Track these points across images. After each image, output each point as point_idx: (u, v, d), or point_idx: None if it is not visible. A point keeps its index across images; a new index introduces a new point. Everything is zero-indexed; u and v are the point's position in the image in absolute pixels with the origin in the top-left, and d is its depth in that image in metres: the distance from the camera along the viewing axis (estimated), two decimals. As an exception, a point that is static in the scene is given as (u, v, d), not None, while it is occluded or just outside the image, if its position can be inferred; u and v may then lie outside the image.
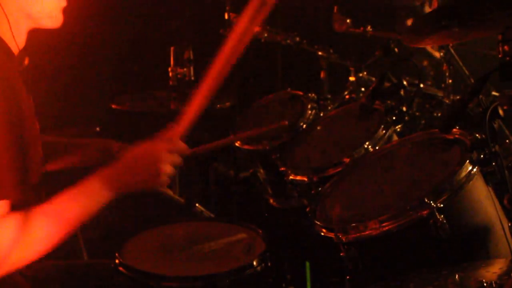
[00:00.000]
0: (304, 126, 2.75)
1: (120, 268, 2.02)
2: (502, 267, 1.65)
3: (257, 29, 3.52)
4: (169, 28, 4.33)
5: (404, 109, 2.52)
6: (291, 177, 2.44)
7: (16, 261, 1.75)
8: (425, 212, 1.77)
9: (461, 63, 3.28)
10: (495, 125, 1.82)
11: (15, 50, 1.89)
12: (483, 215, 1.86)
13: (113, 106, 3.45)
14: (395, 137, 2.42)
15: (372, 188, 2.08)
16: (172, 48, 3.48)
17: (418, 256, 1.83)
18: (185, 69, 3.49)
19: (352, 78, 3.44)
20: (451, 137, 2.00)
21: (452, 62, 3.30)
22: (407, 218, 1.78)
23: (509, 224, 1.81)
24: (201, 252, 2.10)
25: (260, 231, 2.17)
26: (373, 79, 3.46)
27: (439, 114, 3.25)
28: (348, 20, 3.37)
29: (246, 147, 2.87)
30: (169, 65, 3.50)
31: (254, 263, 2.00)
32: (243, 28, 2.03)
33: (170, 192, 3.68)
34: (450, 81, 3.35)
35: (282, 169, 2.53)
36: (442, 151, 2.01)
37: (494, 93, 3.10)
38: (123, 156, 1.91)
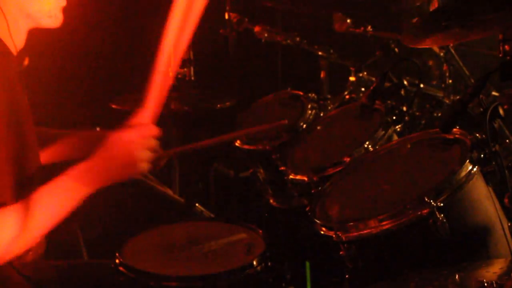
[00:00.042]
0: (304, 126, 2.75)
1: (120, 268, 2.02)
2: (502, 267, 1.65)
3: (257, 29, 3.53)
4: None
5: (404, 109, 2.52)
6: (291, 177, 2.44)
7: None
8: (425, 211, 1.77)
9: (461, 63, 3.28)
10: (496, 125, 1.82)
11: (14, 50, 1.89)
12: (483, 214, 1.86)
13: (113, 106, 3.45)
14: (395, 137, 2.42)
15: (372, 187, 2.08)
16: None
17: (417, 255, 1.83)
18: (185, 69, 3.49)
19: (352, 78, 3.44)
20: (451, 136, 2.00)
21: (452, 62, 3.31)
22: (407, 217, 1.78)
23: (509, 224, 1.81)
24: (201, 252, 2.10)
25: (260, 231, 2.17)
26: (373, 79, 3.46)
27: (439, 114, 3.25)
28: (348, 20, 3.37)
29: (246, 147, 2.87)
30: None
31: (254, 263, 1.99)
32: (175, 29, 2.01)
33: (170, 192, 3.68)
34: (450, 81, 3.35)
35: (282, 169, 2.53)
36: (442, 150, 2.01)
37: (494, 93, 3.10)
38: (98, 150, 1.89)
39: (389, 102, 2.60)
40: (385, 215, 1.81)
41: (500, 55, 1.84)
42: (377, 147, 2.32)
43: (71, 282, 2.12)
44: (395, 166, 2.13)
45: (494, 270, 1.61)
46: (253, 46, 3.81)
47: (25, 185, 1.82)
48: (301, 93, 2.98)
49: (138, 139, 1.88)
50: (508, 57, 1.82)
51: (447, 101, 3.32)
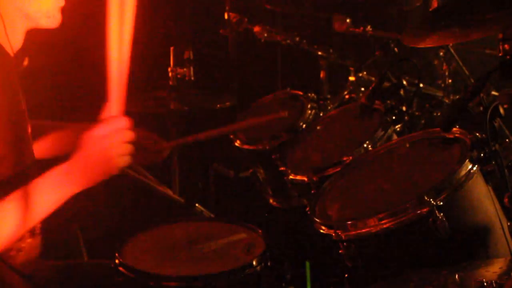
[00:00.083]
0: (304, 126, 2.75)
1: (120, 268, 2.02)
2: (502, 266, 1.65)
3: (256, 29, 3.53)
4: (169, 28, 4.33)
5: (404, 109, 2.52)
6: (291, 177, 2.44)
7: None
8: (425, 210, 1.77)
9: (461, 63, 3.28)
10: (496, 124, 1.83)
11: (10, 50, 1.89)
12: (482, 214, 1.86)
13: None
14: (395, 137, 2.42)
15: (371, 186, 2.08)
16: (172, 48, 3.48)
17: (417, 255, 1.84)
18: (185, 69, 3.49)
19: (352, 78, 3.44)
20: (451, 136, 2.00)
21: (452, 62, 3.31)
22: (407, 216, 1.79)
23: (509, 224, 1.81)
24: (201, 252, 2.10)
25: (260, 231, 2.17)
26: (373, 79, 3.46)
27: (439, 114, 3.26)
28: (348, 20, 3.36)
29: (246, 147, 2.87)
30: (169, 65, 3.49)
31: (254, 263, 1.99)
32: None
33: (170, 192, 3.69)
34: (450, 81, 3.36)
35: (282, 169, 2.53)
36: (442, 149, 2.01)
37: (494, 92, 3.10)
38: (73, 152, 1.86)
39: (388, 102, 2.59)
40: (385, 214, 1.81)
41: (500, 54, 1.84)
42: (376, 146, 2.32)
43: (71, 282, 2.12)
44: (395, 165, 2.13)
45: (493, 269, 1.61)
46: (253, 46, 3.81)
47: (21, 180, 1.83)
48: (301, 93, 2.98)
49: (110, 134, 1.83)
50: (508, 56, 1.82)
51: (446, 101, 3.32)
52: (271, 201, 2.88)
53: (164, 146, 2.55)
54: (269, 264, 2.03)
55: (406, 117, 2.51)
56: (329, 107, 3.30)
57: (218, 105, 3.51)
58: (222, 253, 2.09)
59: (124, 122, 1.86)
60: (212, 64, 4.14)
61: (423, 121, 3.26)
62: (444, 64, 3.36)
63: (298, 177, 2.40)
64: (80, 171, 1.82)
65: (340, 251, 1.91)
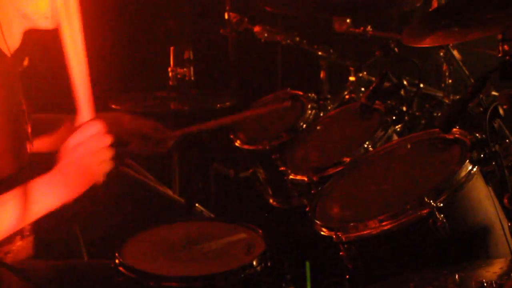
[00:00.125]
0: (304, 126, 2.75)
1: (120, 268, 2.02)
2: (502, 267, 1.65)
3: (257, 29, 3.53)
4: (169, 28, 4.33)
5: (404, 109, 2.52)
6: (291, 177, 2.44)
7: None
8: (425, 211, 1.77)
9: (461, 63, 3.28)
10: (495, 125, 1.82)
11: (7, 51, 1.88)
12: (483, 214, 1.86)
13: (113, 106, 3.45)
14: (395, 137, 2.42)
15: (372, 187, 2.08)
16: (172, 48, 3.48)
17: (418, 256, 1.84)
18: (185, 69, 3.49)
19: (352, 78, 3.44)
20: (451, 136, 2.00)
21: (452, 62, 3.31)
22: (407, 217, 1.79)
23: (509, 224, 1.81)
24: (201, 252, 2.10)
25: (260, 231, 2.17)
26: (373, 79, 3.46)
27: (439, 114, 3.25)
28: (348, 20, 3.36)
29: (246, 147, 2.87)
30: (169, 65, 3.49)
31: (254, 263, 1.99)
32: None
33: (170, 192, 3.69)
34: (450, 81, 3.35)
35: (282, 169, 2.53)
36: (442, 150, 2.01)
37: (494, 93, 3.10)
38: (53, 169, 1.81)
39: (389, 102, 2.59)
40: (385, 215, 1.81)
41: (500, 55, 1.84)
42: (377, 147, 2.32)
43: (71, 282, 2.12)
44: (395, 166, 2.13)
45: (494, 270, 1.62)
46: (253, 46, 3.81)
47: (18, 179, 1.83)
48: (301, 93, 2.98)
49: (85, 142, 1.79)
50: (507, 57, 1.82)
51: (446, 101, 3.32)
52: (271, 201, 2.88)
53: (168, 135, 2.56)
54: (269, 264, 2.03)
55: (406, 117, 2.51)
56: (329, 107, 3.31)
57: (218, 105, 3.51)
58: (222, 253, 2.09)
59: (98, 127, 1.82)
60: (212, 64, 4.14)
61: (423, 121, 3.25)
62: (444, 64, 3.36)
63: (298, 177, 2.40)
64: (60, 183, 1.78)
65: (340, 253, 1.91)
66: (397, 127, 2.46)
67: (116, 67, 4.19)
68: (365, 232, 1.83)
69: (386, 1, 3.31)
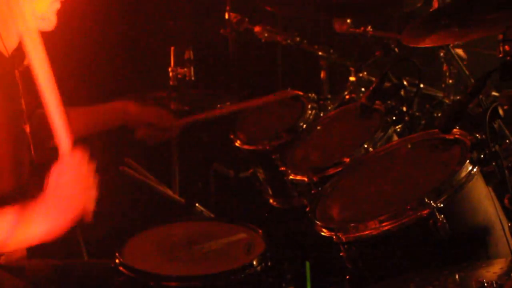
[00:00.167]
0: (304, 126, 2.75)
1: (120, 268, 2.02)
2: (502, 267, 1.65)
3: (257, 29, 3.53)
4: (169, 28, 4.33)
5: (404, 109, 2.52)
6: (291, 177, 2.44)
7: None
8: (425, 212, 1.77)
9: (461, 63, 3.28)
10: (495, 125, 1.82)
11: (5, 51, 1.88)
12: (483, 215, 1.86)
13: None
14: (395, 137, 2.42)
15: (372, 188, 2.08)
16: (172, 48, 3.48)
17: (418, 256, 1.84)
18: (185, 69, 3.48)
19: (352, 78, 3.43)
20: (451, 137, 2.00)
21: (452, 62, 3.31)
22: (407, 217, 1.79)
23: (509, 224, 1.81)
24: (201, 252, 2.10)
25: (260, 231, 2.17)
26: (373, 79, 3.46)
27: (439, 114, 3.25)
28: (348, 20, 3.36)
29: (246, 147, 2.87)
30: (169, 65, 3.49)
31: (254, 263, 2.00)
32: None
33: (170, 192, 3.68)
34: (450, 81, 3.35)
35: (282, 169, 2.53)
36: (442, 151, 2.01)
37: (494, 93, 3.10)
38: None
39: (389, 102, 2.59)
40: (385, 216, 1.81)
41: (500, 55, 1.84)
42: (377, 147, 2.32)
43: (71, 282, 2.12)
44: (395, 166, 2.13)
45: (494, 270, 1.62)
46: (253, 46, 3.81)
47: (20, 180, 1.83)
48: (301, 93, 2.98)
49: (69, 173, 1.76)
50: (508, 57, 1.82)
51: (447, 101, 3.32)
52: (271, 201, 2.88)
53: (174, 123, 2.59)
54: (269, 264, 2.03)
55: (406, 118, 2.51)
56: (329, 107, 3.30)
57: (218, 105, 3.51)
58: (222, 253, 2.09)
59: (81, 156, 1.79)
60: (212, 64, 4.14)
61: (423, 122, 3.25)
62: (445, 64, 3.36)
63: (298, 177, 2.40)
64: (45, 215, 1.75)
65: (341, 253, 1.91)
66: (397, 127, 2.46)
67: (116, 67, 4.20)
68: (365, 233, 1.83)
69: (386, 2, 3.31)
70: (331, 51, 3.45)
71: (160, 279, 1.97)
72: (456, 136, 1.99)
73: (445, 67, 3.34)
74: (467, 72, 3.27)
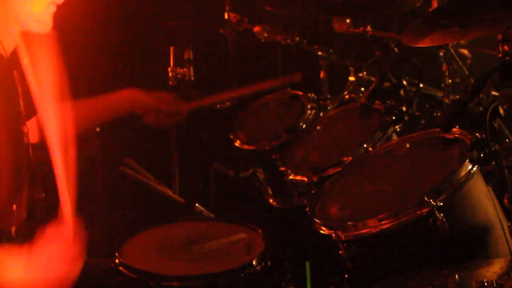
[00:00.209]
0: (304, 126, 2.75)
1: (120, 268, 2.02)
2: (502, 266, 1.65)
3: (256, 29, 3.53)
4: (169, 28, 4.33)
5: (404, 109, 2.52)
6: (291, 177, 2.44)
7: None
8: (425, 210, 1.77)
9: (460, 63, 3.28)
10: (495, 125, 1.83)
11: (3, 52, 1.88)
12: (482, 214, 1.86)
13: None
14: (395, 137, 2.42)
15: (371, 187, 2.08)
16: (172, 48, 3.48)
17: (417, 255, 1.83)
18: (185, 69, 3.48)
19: (352, 78, 3.43)
20: (451, 136, 2.00)
21: (452, 62, 3.31)
22: (407, 216, 1.79)
23: (509, 224, 1.81)
24: (201, 252, 2.10)
25: (260, 231, 2.17)
26: (373, 79, 3.46)
27: (439, 114, 3.25)
28: (348, 20, 3.36)
29: (246, 147, 2.87)
30: (169, 65, 3.49)
31: (254, 262, 2.00)
32: None
33: (170, 192, 3.68)
34: (450, 81, 3.35)
35: (282, 169, 2.53)
36: (442, 150, 2.01)
37: (494, 92, 3.10)
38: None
39: (388, 102, 2.59)
40: (385, 214, 1.81)
41: (500, 55, 1.84)
42: (376, 147, 2.32)
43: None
44: (395, 165, 2.13)
45: (494, 270, 1.62)
46: (253, 46, 3.81)
47: (19, 180, 1.83)
48: (301, 93, 2.98)
49: (53, 251, 1.77)
50: (507, 57, 1.82)
51: (446, 101, 3.32)
52: (271, 201, 2.88)
53: (181, 108, 2.60)
54: (269, 264, 2.03)
55: (406, 117, 2.51)
56: (329, 107, 3.30)
57: (218, 105, 3.51)
58: (222, 253, 2.09)
59: (68, 232, 1.81)
60: (212, 64, 4.14)
61: (423, 121, 3.25)
62: (444, 64, 3.36)
63: (298, 177, 2.40)
64: (25, 265, 1.75)
65: (340, 252, 1.91)
66: (397, 127, 2.46)
67: (116, 67, 4.20)
68: (364, 231, 1.83)
69: (385, 1, 3.30)
70: (331, 51, 3.45)
71: (160, 279, 1.97)
72: (456, 135, 1.99)
73: (444, 67, 3.34)
74: (466, 72, 3.27)
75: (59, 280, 1.77)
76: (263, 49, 3.90)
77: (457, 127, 1.98)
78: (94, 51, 4.08)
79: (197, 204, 3.46)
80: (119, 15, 4.15)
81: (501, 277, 1.52)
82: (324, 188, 2.16)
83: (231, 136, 2.92)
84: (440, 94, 3.39)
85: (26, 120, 2.01)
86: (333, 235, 1.89)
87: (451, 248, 1.79)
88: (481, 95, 1.90)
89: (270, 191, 2.88)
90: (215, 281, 1.96)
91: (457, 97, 3.27)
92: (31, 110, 2.12)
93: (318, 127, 2.74)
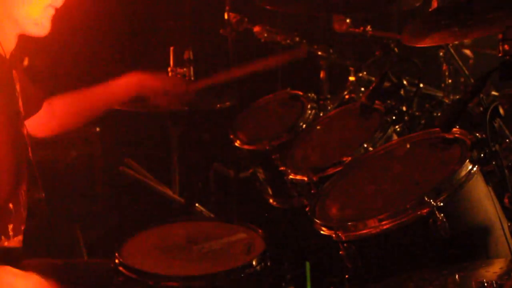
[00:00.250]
0: (304, 126, 2.75)
1: (120, 268, 2.02)
2: (502, 267, 1.65)
3: (256, 29, 3.53)
4: (169, 28, 4.33)
5: (404, 109, 2.52)
6: (291, 177, 2.44)
7: None
8: (425, 210, 1.77)
9: (460, 63, 3.28)
10: (496, 125, 1.82)
11: (2, 52, 1.88)
12: (483, 214, 1.86)
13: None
14: (395, 137, 2.42)
15: (371, 187, 2.08)
16: (172, 48, 3.48)
17: (417, 255, 1.83)
18: (185, 69, 3.48)
19: (352, 78, 3.43)
20: (451, 136, 2.00)
21: (452, 62, 3.31)
22: (407, 216, 1.78)
23: (509, 224, 1.81)
24: (201, 252, 2.10)
25: (260, 231, 2.17)
26: (373, 79, 3.46)
27: (439, 114, 3.25)
28: (348, 20, 3.36)
29: (246, 147, 2.87)
30: (169, 65, 3.49)
31: (254, 263, 2.00)
32: None
33: (170, 192, 3.69)
34: (450, 81, 3.35)
35: (282, 169, 2.52)
36: (442, 150, 2.01)
37: (494, 92, 3.10)
38: None
39: (388, 102, 2.59)
40: (385, 215, 1.81)
41: (500, 55, 1.84)
42: (376, 147, 2.31)
43: (71, 282, 2.12)
44: (395, 165, 2.13)
45: (494, 270, 1.62)
46: (253, 46, 3.81)
47: (19, 181, 1.83)
48: (301, 93, 2.98)
49: None
50: (507, 57, 1.82)
51: (446, 101, 3.32)
52: (271, 201, 2.88)
53: (189, 88, 2.60)
54: (269, 264, 2.03)
55: (406, 117, 2.51)
56: (329, 107, 3.30)
57: (218, 105, 3.51)
58: (222, 253, 2.09)
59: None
60: (212, 64, 4.14)
61: (423, 121, 3.25)
62: (444, 64, 3.36)
63: (298, 177, 2.40)
64: None
65: (340, 252, 1.91)
66: (397, 127, 2.46)
67: (116, 67, 4.20)
68: (364, 231, 1.83)
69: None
70: (331, 51, 3.45)
71: (160, 279, 1.97)
72: (456, 135, 1.99)
73: (444, 67, 3.34)
74: (467, 72, 3.27)
75: None
76: (263, 49, 3.89)
77: (457, 127, 1.98)
78: (94, 51, 4.08)
79: (197, 204, 3.46)
80: (119, 15, 4.15)
81: (501, 277, 1.52)
82: (324, 189, 2.16)
83: (231, 136, 2.92)
84: (440, 94, 3.39)
85: (24, 119, 2.01)
86: (333, 235, 1.89)
87: (451, 248, 1.79)
88: (481, 95, 1.90)
89: (270, 191, 2.87)
90: (215, 281, 1.96)
91: (457, 97, 3.28)
92: (30, 110, 2.13)
93: (318, 127, 2.74)
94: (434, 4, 3.05)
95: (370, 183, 2.10)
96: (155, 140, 4.06)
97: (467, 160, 1.85)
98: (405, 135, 2.33)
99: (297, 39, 3.47)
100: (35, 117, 2.22)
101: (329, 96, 3.45)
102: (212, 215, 3.43)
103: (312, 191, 2.30)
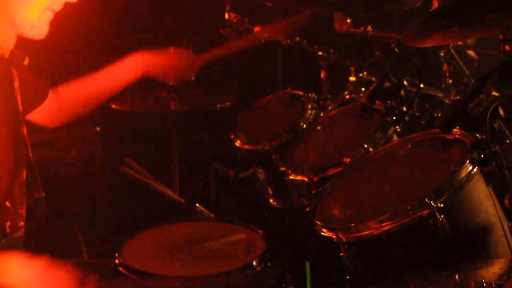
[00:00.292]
0: (304, 126, 2.75)
1: (120, 268, 2.02)
2: (502, 267, 1.65)
3: (257, 29, 3.53)
4: (169, 28, 4.33)
5: (404, 109, 2.52)
6: (291, 177, 2.44)
7: None
8: (425, 212, 1.77)
9: (461, 63, 3.28)
10: (496, 125, 1.82)
11: (1, 52, 1.88)
12: (483, 215, 1.86)
13: (113, 106, 3.45)
14: (395, 137, 2.42)
15: (372, 188, 2.08)
16: (172, 48, 3.48)
17: (418, 256, 1.83)
18: (184, 69, 3.48)
19: (352, 78, 3.43)
20: (451, 137, 2.00)
21: (452, 62, 3.31)
22: (407, 218, 1.78)
23: (509, 224, 1.81)
24: (201, 252, 2.10)
25: (260, 231, 2.17)
26: (373, 79, 3.46)
27: (439, 114, 3.25)
28: (348, 20, 3.36)
29: (246, 147, 2.87)
30: (169, 65, 3.49)
31: (254, 263, 1.99)
32: None
33: (170, 192, 3.69)
34: (450, 81, 3.35)
35: (282, 169, 2.53)
36: (442, 151, 2.01)
37: (494, 93, 3.10)
38: None
39: (389, 102, 2.59)
40: (386, 216, 1.81)
41: (500, 55, 1.84)
42: (377, 147, 2.31)
43: (71, 282, 2.12)
44: (395, 166, 2.13)
45: (493, 270, 1.62)
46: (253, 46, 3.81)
47: (18, 181, 1.84)
48: (301, 93, 2.98)
49: None
50: (508, 57, 1.82)
51: (447, 101, 3.32)
52: (271, 201, 2.88)
53: (195, 61, 2.60)
54: (269, 264, 2.03)
55: (406, 118, 2.51)
56: (329, 107, 3.30)
57: (218, 105, 3.51)
58: (222, 253, 2.09)
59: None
60: (212, 64, 4.14)
61: (423, 122, 3.25)
62: (445, 64, 3.36)
63: (298, 177, 2.40)
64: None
65: (341, 253, 1.91)
66: (397, 127, 2.45)
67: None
68: (365, 233, 1.83)
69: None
70: (331, 51, 3.45)
71: (160, 279, 1.97)
72: (456, 136, 1.99)
73: (445, 67, 3.34)
74: (467, 72, 3.27)
75: None
76: (263, 49, 3.90)
77: (458, 127, 1.98)
78: (94, 51, 4.08)
79: (197, 204, 3.46)
80: (119, 15, 4.15)
81: (501, 278, 1.52)
82: (324, 189, 2.16)
83: (231, 136, 2.92)
84: (440, 95, 3.39)
85: (32, 111, 2.01)
86: (334, 237, 1.89)
87: (452, 249, 1.79)
88: (481, 96, 1.90)
89: (270, 191, 2.88)
90: (215, 282, 1.96)
91: (458, 97, 3.27)
92: (36, 101, 2.13)
93: (318, 127, 2.74)
94: (435, 4, 3.05)
95: (371, 184, 2.10)
96: (155, 140, 4.05)
97: (467, 161, 1.85)
98: (405, 136, 2.33)
99: (297, 39, 3.47)
100: (43, 108, 2.21)
101: (329, 96, 3.45)
102: (212, 215, 3.43)
103: (313, 191, 2.30)
